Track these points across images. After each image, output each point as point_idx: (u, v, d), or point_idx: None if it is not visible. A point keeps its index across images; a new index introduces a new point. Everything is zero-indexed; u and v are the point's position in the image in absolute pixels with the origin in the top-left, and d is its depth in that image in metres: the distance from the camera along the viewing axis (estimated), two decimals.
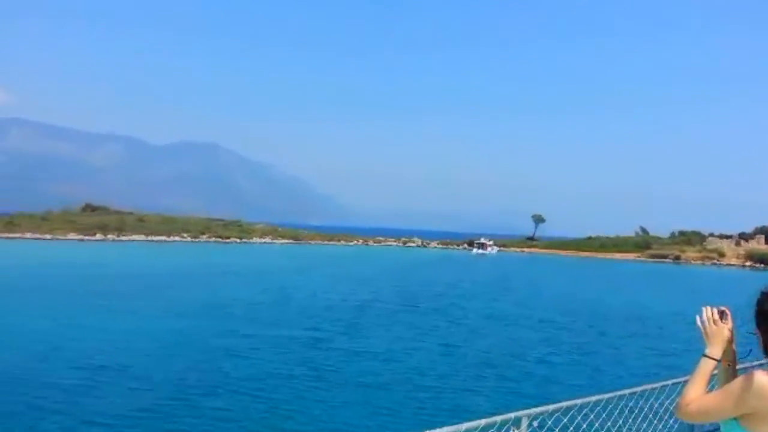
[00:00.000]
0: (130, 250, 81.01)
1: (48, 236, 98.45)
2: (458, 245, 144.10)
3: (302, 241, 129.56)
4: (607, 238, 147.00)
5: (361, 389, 18.44)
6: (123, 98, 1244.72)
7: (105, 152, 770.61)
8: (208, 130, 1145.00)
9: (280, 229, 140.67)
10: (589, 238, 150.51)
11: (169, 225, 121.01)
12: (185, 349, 23.03)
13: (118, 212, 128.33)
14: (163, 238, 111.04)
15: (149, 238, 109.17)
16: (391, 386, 18.92)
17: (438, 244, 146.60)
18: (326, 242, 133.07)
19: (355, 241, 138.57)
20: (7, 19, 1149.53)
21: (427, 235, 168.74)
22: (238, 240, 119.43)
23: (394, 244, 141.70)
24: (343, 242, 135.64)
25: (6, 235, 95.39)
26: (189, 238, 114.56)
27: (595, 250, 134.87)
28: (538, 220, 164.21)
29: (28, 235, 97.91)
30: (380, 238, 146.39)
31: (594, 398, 4.63)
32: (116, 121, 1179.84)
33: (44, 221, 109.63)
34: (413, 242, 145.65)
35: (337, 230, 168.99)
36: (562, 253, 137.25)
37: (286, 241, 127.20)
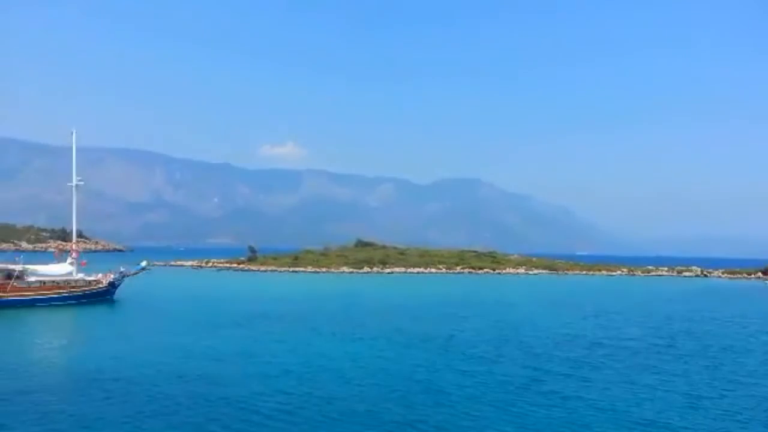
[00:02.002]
0: (386, 281, 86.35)
1: (324, 269, 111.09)
2: (749, 274, 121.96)
3: (558, 272, 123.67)
4: None
5: None
6: (391, 144, 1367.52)
7: (378, 194, 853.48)
8: (468, 167, 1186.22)
9: (534, 259, 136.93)
10: None
11: (426, 258, 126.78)
12: (391, 379, 22.92)
13: (383, 247, 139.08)
14: (421, 269, 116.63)
15: (408, 270, 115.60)
16: None
17: (723, 273, 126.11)
18: (585, 272, 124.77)
19: (619, 271, 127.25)
20: (303, 85, 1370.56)
21: (710, 264, 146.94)
22: (491, 271, 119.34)
23: (666, 273, 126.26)
24: (604, 272, 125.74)
25: (292, 269, 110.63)
26: (444, 270, 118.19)
27: None
28: None
29: (309, 268, 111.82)
30: (650, 268, 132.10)
31: None
32: (387, 165, 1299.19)
33: (322, 256, 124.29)
34: (690, 271, 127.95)
35: (605, 260, 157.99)
36: None
37: (541, 271, 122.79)
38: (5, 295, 45.30)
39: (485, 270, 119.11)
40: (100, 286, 52.02)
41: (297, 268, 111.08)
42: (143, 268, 58.81)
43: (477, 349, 30.17)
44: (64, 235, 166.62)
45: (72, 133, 54.84)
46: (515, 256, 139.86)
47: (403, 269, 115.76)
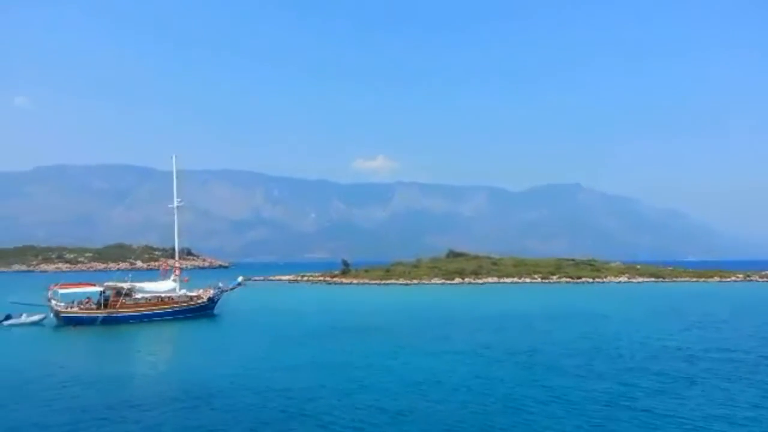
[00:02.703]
0: (477, 292, 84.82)
1: (415, 281, 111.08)
2: None
3: (665, 279, 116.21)
4: None
5: None
6: (481, 152, 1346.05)
7: (472, 203, 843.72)
8: (565, 172, 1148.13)
9: (638, 266, 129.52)
10: None
11: (521, 267, 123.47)
12: (469, 395, 22.28)
13: (476, 257, 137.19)
14: (515, 280, 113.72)
15: (501, 280, 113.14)
16: None
17: None
18: (694, 279, 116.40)
19: (734, 277, 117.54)
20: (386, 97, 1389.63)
21: None
22: (590, 279, 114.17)
23: None
24: (717, 279, 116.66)
25: (384, 281, 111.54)
26: (539, 279, 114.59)
27: None
28: None
29: (401, 281, 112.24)
30: None
31: None
32: (479, 174, 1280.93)
33: (414, 268, 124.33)
34: None
35: (718, 265, 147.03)
36: None
37: (645, 279, 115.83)
38: (115, 311, 48.98)
39: (584, 279, 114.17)
40: (201, 301, 54.91)
41: (388, 281, 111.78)
42: (239, 284, 61.50)
43: (565, 363, 28.75)
44: (173, 254, 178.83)
45: (173, 158, 58.80)
46: (617, 263, 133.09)
47: (496, 279, 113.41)
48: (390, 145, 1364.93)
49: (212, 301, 55.94)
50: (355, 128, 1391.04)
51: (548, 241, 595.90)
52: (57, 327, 46.09)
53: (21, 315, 46.78)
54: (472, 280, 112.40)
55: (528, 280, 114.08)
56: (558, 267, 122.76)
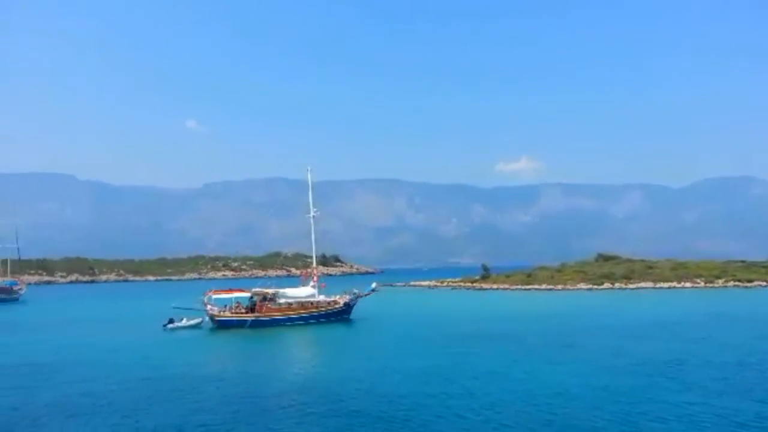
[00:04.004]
0: (626, 298, 79.33)
1: (559, 287, 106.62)
2: None
3: None
4: None
5: None
6: (633, 147, 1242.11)
7: (625, 203, 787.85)
8: (735, 164, 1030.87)
9: None
10: None
11: (680, 271, 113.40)
12: (582, 408, 21.08)
13: (628, 260, 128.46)
14: (673, 284, 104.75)
15: (657, 285, 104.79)
16: None
17: None
18: None
19: None
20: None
21: None
22: (763, 283, 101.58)
23: None
24: None
25: (525, 286, 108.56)
26: (702, 284, 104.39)
27: None
28: None
29: (543, 286, 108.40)
30: None
31: None
32: (632, 171, 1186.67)
33: (558, 273, 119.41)
34: None
35: None
36: None
37: None
38: (262, 315, 53.12)
39: (756, 283, 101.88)
40: (338, 306, 57.61)
41: (530, 286, 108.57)
42: (373, 290, 63.50)
43: (703, 376, 26.08)
44: (324, 261, 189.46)
45: (308, 170, 62.37)
46: None
47: (651, 285, 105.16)
48: (533, 145, 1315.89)
49: (348, 306, 58.35)
50: (496, 130, 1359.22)
51: (719, 241, 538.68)
52: (212, 330, 51.00)
53: (182, 319, 52.53)
54: (623, 286, 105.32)
55: (689, 284, 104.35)
56: (724, 270, 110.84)
